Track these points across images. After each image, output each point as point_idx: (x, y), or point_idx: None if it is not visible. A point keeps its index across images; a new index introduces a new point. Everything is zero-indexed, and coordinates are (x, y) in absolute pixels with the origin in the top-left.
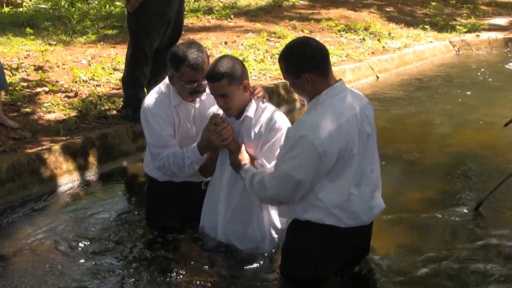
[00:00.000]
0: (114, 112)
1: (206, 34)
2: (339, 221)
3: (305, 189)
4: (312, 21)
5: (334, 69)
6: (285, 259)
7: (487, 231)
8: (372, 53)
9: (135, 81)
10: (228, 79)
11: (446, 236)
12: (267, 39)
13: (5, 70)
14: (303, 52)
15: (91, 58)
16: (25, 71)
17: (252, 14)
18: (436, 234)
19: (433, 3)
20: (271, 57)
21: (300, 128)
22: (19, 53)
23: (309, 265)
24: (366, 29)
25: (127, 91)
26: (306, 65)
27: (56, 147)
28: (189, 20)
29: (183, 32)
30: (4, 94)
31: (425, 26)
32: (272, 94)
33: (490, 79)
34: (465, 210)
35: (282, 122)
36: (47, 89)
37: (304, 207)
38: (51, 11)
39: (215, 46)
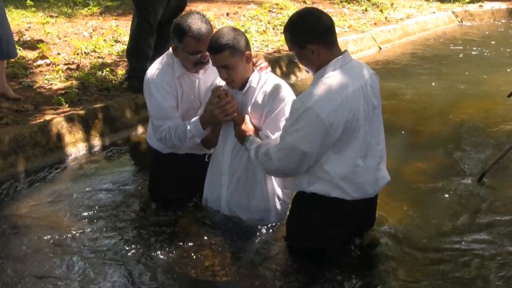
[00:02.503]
0: (116, 84)
1: (208, 6)
2: (345, 193)
3: (311, 161)
4: None
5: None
6: (290, 231)
7: (492, 201)
8: (375, 24)
9: (141, 53)
10: (230, 50)
11: (451, 207)
12: (269, 10)
13: None
14: (308, 22)
15: (93, 30)
16: (27, 44)
17: None
18: (441, 205)
19: None
20: (273, 28)
21: (306, 100)
22: (20, 25)
23: (314, 237)
24: (368, 0)
25: (132, 63)
26: (311, 36)
27: (59, 119)
28: None
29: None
30: (5, 66)
31: None
32: (275, 65)
33: (493, 50)
34: (469, 181)
35: (286, 92)
36: (48, 61)
37: (310, 179)
38: None
39: (217, 18)
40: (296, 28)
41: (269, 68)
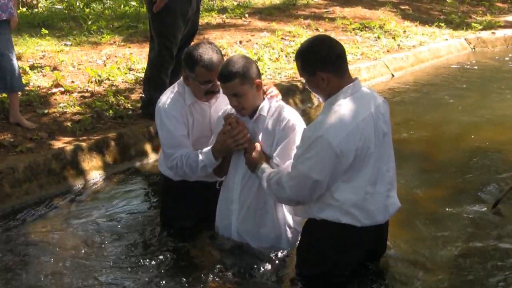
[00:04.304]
0: (130, 112)
1: (221, 33)
2: (355, 220)
3: (323, 189)
4: (326, 20)
5: (349, 67)
6: (301, 257)
7: (506, 229)
8: (387, 51)
9: (161, 82)
10: (240, 78)
11: (463, 234)
12: (282, 38)
13: (20, 71)
14: (318, 50)
15: (106, 58)
16: (41, 72)
17: (266, 13)
18: (453, 233)
19: (448, 1)
20: (286, 56)
21: (317, 129)
22: (34, 53)
23: (325, 264)
24: (381, 27)
25: (151, 92)
26: (321, 64)
27: (72, 147)
28: (203, 20)
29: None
30: (20, 94)
31: (440, 24)
32: (287, 93)
33: (506, 76)
34: (483, 208)
35: (296, 121)
36: (62, 89)
37: (320, 207)
38: (66, 11)
39: (230, 45)
40: (307, 55)
41: (280, 96)
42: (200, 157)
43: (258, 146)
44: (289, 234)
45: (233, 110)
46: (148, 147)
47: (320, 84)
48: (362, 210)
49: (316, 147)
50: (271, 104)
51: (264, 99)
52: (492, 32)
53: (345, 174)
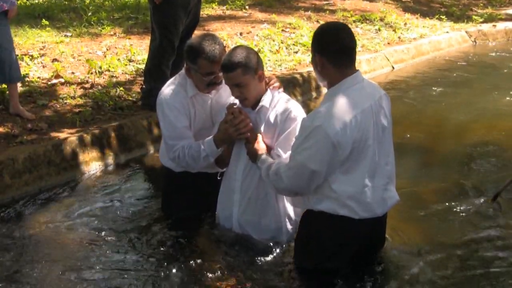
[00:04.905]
0: (130, 103)
1: (221, 25)
2: (353, 212)
3: (320, 179)
4: (327, 12)
5: None
6: (298, 249)
7: (505, 221)
8: (388, 43)
9: (161, 73)
10: (242, 69)
11: (463, 227)
12: (282, 30)
13: (21, 62)
14: (325, 35)
15: (107, 49)
16: (41, 63)
17: (266, 5)
18: (453, 226)
19: None
20: (286, 48)
21: (315, 118)
22: (34, 44)
23: (322, 256)
24: (381, 19)
25: (151, 83)
26: (320, 48)
27: (72, 138)
28: (204, 11)
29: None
30: (20, 85)
31: (441, 16)
32: (288, 85)
33: (507, 70)
34: (483, 201)
35: (298, 112)
36: (63, 80)
37: (319, 198)
38: (66, 2)
39: (230, 37)
40: (315, 35)
41: (282, 88)
42: (202, 146)
43: (259, 136)
44: (289, 226)
45: (236, 101)
46: (148, 138)
47: (315, 66)
48: (359, 203)
49: (313, 137)
50: (274, 96)
51: (266, 90)
52: (493, 25)
53: (343, 165)
